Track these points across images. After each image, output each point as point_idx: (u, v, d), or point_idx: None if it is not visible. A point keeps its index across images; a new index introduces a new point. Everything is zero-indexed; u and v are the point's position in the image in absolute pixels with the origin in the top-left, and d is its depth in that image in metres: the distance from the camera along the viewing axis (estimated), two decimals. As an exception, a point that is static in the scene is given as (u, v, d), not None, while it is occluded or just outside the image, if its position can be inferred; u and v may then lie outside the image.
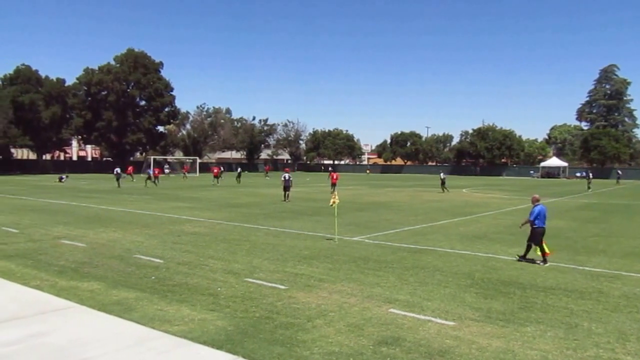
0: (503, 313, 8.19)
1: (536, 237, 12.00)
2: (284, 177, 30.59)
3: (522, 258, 12.25)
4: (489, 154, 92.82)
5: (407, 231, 17.13)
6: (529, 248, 12.19)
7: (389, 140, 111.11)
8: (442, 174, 40.72)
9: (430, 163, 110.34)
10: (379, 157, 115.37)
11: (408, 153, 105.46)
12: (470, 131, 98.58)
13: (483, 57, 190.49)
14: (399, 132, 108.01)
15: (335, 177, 38.74)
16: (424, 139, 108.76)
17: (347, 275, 10.47)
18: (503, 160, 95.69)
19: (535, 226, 12.07)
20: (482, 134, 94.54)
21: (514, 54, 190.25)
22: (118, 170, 42.58)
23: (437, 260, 12.22)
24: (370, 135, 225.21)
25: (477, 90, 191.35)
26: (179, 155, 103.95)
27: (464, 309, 8.36)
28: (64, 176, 48.73)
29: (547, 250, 11.93)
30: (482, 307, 8.48)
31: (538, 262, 11.97)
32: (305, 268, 11.13)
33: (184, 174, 60.83)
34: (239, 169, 53.66)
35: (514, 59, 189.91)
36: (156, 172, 51.24)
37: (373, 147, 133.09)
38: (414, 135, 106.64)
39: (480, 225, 18.65)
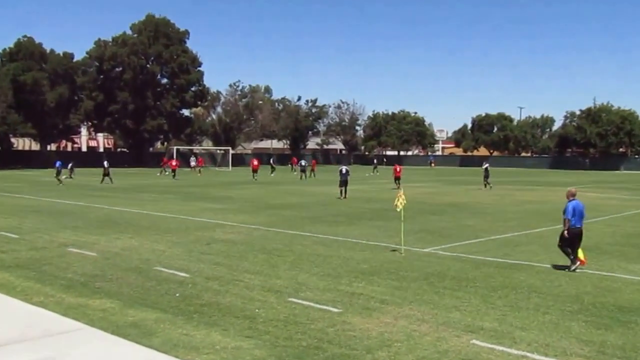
0: (622, 348, 7.89)
1: (568, 239, 12.55)
2: (341, 171, 31.28)
3: (573, 266, 12.63)
4: (602, 142, 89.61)
5: (494, 241, 16.83)
6: (566, 252, 12.73)
7: (469, 125, 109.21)
8: (485, 165, 40.67)
9: (524, 154, 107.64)
10: (457, 146, 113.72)
11: (495, 141, 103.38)
12: (578, 113, 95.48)
13: (594, 21, 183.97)
14: (483, 115, 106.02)
15: (399, 170, 38.96)
16: (515, 122, 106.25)
17: (416, 296, 10.37)
18: (621, 149, 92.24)
19: (570, 226, 12.63)
20: (592, 116, 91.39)
21: (636, 13, 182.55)
22: (106, 163, 43.76)
23: (534, 278, 11.93)
24: (446, 119, 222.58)
25: (585, 60, 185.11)
26: (207, 144, 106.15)
27: (569, 341, 8.13)
28: (67, 165, 50.02)
29: (582, 257, 12.57)
30: (594, 339, 8.23)
31: (565, 268, 12.58)
32: (364, 286, 11.09)
33: (199, 168, 61.50)
34: (304, 162, 54.00)
35: (635, 19, 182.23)
36: (174, 164, 52.91)
37: (449, 134, 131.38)
38: (502, 118, 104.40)
39: (590, 235, 17.98)
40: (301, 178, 50.61)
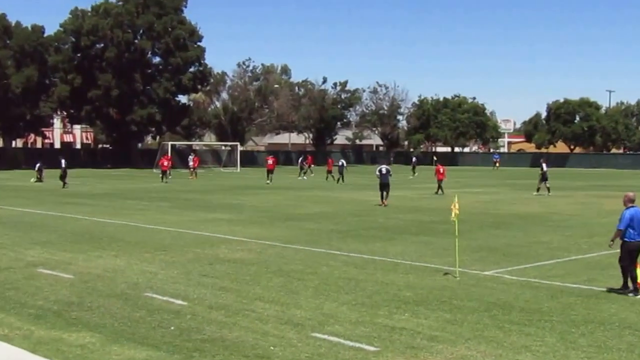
0: None
1: (626, 255, 12.86)
2: (381, 171, 31.61)
3: (622, 289, 13.06)
4: None
5: (575, 262, 16.70)
6: (625, 271, 13.06)
7: (544, 114, 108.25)
8: (543, 165, 40.60)
9: (614, 150, 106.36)
10: (528, 140, 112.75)
11: (576, 134, 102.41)
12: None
13: None
14: (561, 101, 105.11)
15: (442, 171, 39.10)
16: (603, 110, 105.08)
17: (475, 332, 10.32)
18: None
19: (625, 239, 12.92)
20: None
21: None
22: (63, 162, 44.31)
23: (627, 310, 11.81)
24: (513, 107, 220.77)
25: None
26: (210, 139, 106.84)
27: (673, 392, 7.99)
28: (37, 165, 51.03)
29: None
30: None
31: (629, 293, 12.84)
32: (408, 319, 11.07)
33: (193, 170, 61.17)
34: (342, 162, 53.74)
35: None
36: (165, 164, 53.16)
37: (517, 125, 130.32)
38: (586, 105, 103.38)
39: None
40: (338, 181, 50.50)
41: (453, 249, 15.52)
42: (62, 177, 43.49)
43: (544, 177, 39.58)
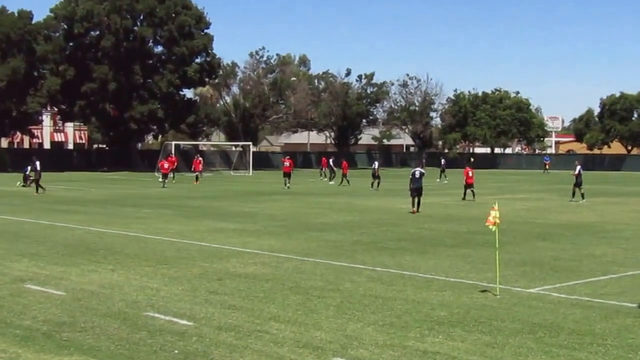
0: None
1: None
2: (414, 174, 32.08)
3: None
4: None
5: (632, 278, 16.59)
6: None
7: (597, 110, 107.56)
8: (578, 167, 40.95)
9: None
10: (578, 139, 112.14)
11: (634, 133, 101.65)
12: None
13: None
14: (617, 95, 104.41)
15: (470, 174, 39.30)
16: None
17: (518, 357, 10.29)
18: None
19: None
20: None
21: None
22: (38, 165, 44.47)
23: (692, 333, 11.68)
24: (561, 102, 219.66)
25: None
26: (218, 138, 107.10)
27: None
28: (28, 168, 51.52)
29: None
30: None
31: None
32: (442, 341, 11.06)
33: (196, 174, 60.72)
34: (376, 165, 53.57)
35: None
36: (166, 166, 53.22)
37: (566, 123, 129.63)
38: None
39: None
40: (372, 186, 50.53)
41: (493, 263, 15.46)
42: (37, 180, 43.61)
43: (577, 181, 39.70)
